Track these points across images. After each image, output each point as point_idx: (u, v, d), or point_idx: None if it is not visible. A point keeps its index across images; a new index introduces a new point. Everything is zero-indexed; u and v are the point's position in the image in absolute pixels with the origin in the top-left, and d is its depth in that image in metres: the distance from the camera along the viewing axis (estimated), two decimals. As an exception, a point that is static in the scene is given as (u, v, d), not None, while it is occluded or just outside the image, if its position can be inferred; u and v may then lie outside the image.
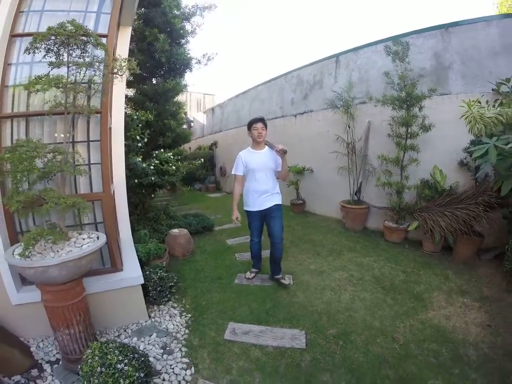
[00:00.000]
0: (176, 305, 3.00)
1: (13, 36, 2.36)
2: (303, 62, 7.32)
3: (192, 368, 2.16)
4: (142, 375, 1.72)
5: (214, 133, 11.95)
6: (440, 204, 3.99)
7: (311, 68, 6.74)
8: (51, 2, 2.50)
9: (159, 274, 2.90)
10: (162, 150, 4.33)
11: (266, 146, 3.21)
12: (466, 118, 3.34)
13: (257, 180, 3.22)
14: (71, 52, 1.99)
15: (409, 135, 4.41)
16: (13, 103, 2.33)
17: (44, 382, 2.07)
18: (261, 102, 8.57)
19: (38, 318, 2.31)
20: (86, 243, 2.00)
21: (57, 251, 1.84)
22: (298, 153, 6.64)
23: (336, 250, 4.33)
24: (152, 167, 3.91)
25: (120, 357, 1.71)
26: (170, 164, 4.15)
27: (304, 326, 2.64)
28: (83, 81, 2.13)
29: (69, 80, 2.00)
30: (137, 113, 3.91)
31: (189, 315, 2.84)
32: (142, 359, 1.82)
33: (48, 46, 1.89)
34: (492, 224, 3.61)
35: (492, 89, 3.83)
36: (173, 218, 5.16)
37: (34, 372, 2.14)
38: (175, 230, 4.33)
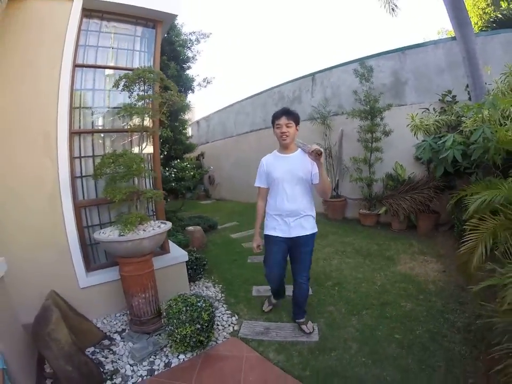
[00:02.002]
0: (207, 281, 3.65)
1: (76, 66, 2.81)
2: (283, 79, 8.15)
3: (236, 316, 2.86)
4: (212, 310, 2.42)
5: (200, 144, 12.60)
6: (402, 191, 4.91)
7: (290, 85, 7.60)
8: (102, 40, 3.02)
9: (194, 256, 3.56)
10: (179, 160, 5.03)
11: (299, 149, 2.30)
12: (411, 126, 4.34)
13: (283, 195, 2.33)
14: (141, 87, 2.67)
15: (374, 140, 5.36)
16: (80, 121, 2.90)
17: (116, 347, 2.47)
18: (245, 115, 9.30)
19: (99, 299, 2.84)
20: (158, 226, 2.68)
21: (143, 230, 2.51)
22: (283, 159, 7.42)
23: (323, 234, 5.09)
24: (173, 175, 4.59)
25: (197, 299, 2.41)
26: (187, 172, 4.85)
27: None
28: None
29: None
30: (161, 131, 4.55)
31: (220, 285, 3.51)
32: (210, 300, 2.52)
33: (128, 83, 2.56)
34: (443, 203, 4.50)
35: (439, 99, 4.84)
36: (182, 220, 5.79)
37: (106, 342, 2.53)
38: (191, 227, 5.00)
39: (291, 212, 2.33)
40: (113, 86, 2.60)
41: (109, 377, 2.15)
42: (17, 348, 2.07)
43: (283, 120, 2.25)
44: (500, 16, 6.75)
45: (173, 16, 3.29)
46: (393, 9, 6.72)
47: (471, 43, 4.08)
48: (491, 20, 7.10)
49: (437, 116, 4.37)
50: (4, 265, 1.97)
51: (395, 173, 5.22)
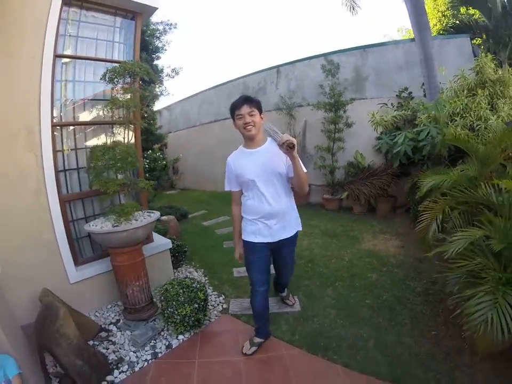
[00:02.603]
0: (189, 266, 3.84)
1: (56, 56, 2.73)
2: (248, 70, 8.35)
3: (222, 296, 3.09)
4: (206, 289, 2.64)
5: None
6: (362, 177, 5.39)
7: (255, 76, 7.82)
8: (82, 30, 2.96)
9: (175, 243, 3.70)
10: (151, 151, 5.06)
11: (269, 139, 2.00)
12: (372, 122, 4.82)
13: (261, 197, 2.03)
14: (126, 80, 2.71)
15: (337, 130, 5.77)
16: (61, 114, 2.87)
17: (115, 337, 2.56)
18: (210, 104, 9.35)
19: (90, 292, 2.89)
20: (148, 215, 2.80)
21: (135, 220, 2.62)
22: (248, 149, 7.68)
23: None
24: (146, 166, 4.64)
25: (191, 281, 2.60)
26: (159, 162, 4.91)
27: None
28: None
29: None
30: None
31: (202, 269, 3.72)
32: (202, 282, 2.73)
33: (113, 76, 2.59)
34: (399, 188, 5.05)
35: (396, 95, 5.34)
36: (152, 210, 5.84)
37: (103, 334, 2.59)
38: (164, 217, 5.07)
39: (272, 214, 2.03)
40: (100, 79, 2.64)
41: (115, 367, 2.26)
42: (23, 351, 2.09)
43: (245, 109, 1.93)
44: (457, 22, 7.49)
45: (153, 9, 3.28)
46: (353, 8, 7.05)
47: (429, 47, 4.63)
48: (449, 25, 7.86)
49: (395, 110, 4.89)
50: None
51: (356, 161, 5.70)
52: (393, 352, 2.16)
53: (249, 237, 2.15)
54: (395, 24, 35.38)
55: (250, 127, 1.95)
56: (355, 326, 2.47)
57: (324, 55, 6.14)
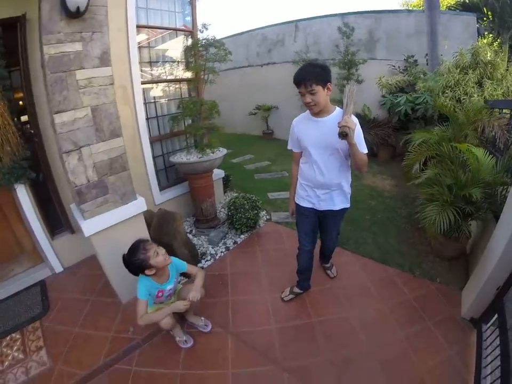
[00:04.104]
0: (232, 192, 5.01)
1: (137, 26, 3.25)
2: (265, 23, 8.73)
3: (265, 211, 4.25)
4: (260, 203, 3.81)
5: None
6: (368, 127, 6.39)
7: (274, 28, 8.33)
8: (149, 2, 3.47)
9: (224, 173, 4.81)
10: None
11: (336, 110, 1.95)
12: (379, 84, 5.76)
13: (314, 167, 2.07)
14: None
15: (348, 85, 6.64)
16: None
17: (193, 241, 3.50)
18: (227, 53, 9.82)
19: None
20: (218, 150, 3.74)
21: (211, 153, 3.62)
22: (266, 95, 8.48)
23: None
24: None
25: (249, 195, 3.77)
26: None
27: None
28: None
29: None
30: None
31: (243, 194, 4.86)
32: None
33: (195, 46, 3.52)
34: (398, 139, 5.97)
35: (403, 59, 6.15)
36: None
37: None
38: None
39: (322, 184, 2.10)
40: (185, 49, 3.65)
41: (201, 258, 3.29)
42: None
43: (303, 89, 1.82)
44: (467, 1, 7.93)
45: None
46: None
47: (435, 24, 5.41)
48: (459, 2, 8.23)
49: (400, 73, 5.76)
50: (144, 204, 2.63)
51: (363, 113, 6.65)
52: (383, 248, 3.37)
53: (299, 200, 2.29)
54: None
55: (312, 106, 1.87)
56: (358, 231, 3.70)
57: (342, 14, 6.78)
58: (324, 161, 2.03)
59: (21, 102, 2.77)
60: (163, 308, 2.11)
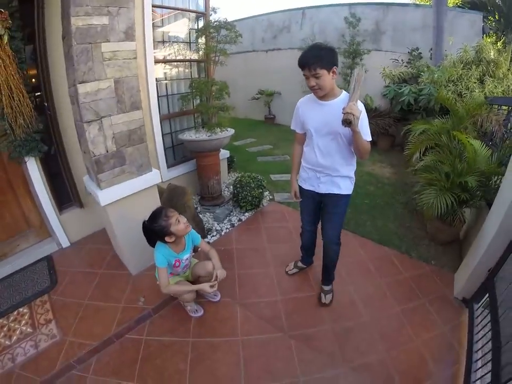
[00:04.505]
0: (236, 173, 5.10)
1: (153, 6, 3.31)
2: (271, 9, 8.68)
3: (267, 191, 4.32)
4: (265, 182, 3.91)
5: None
6: (369, 117, 6.47)
7: (280, 14, 8.31)
8: None
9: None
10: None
11: (342, 94, 1.91)
12: (382, 74, 5.84)
13: (316, 149, 2.06)
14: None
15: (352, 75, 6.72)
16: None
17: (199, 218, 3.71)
18: (232, 37, 9.76)
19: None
20: (226, 130, 3.83)
21: (219, 132, 3.70)
22: (269, 81, 8.50)
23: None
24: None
25: (254, 174, 3.86)
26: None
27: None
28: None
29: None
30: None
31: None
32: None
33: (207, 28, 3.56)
34: (398, 130, 6.09)
35: (408, 52, 6.24)
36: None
37: None
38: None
39: (323, 168, 2.08)
40: (197, 31, 3.72)
41: (208, 232, 3.42)
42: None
43: (307, 72, 1.77)
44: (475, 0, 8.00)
45: None
46: None
47: (442, 20, 5.49)
48: (467, 0, 8.30)
49: (404, 66, 5.85)
50: (158, 176, 2.70)
51: (365, 102, 6.72)
52: (381, 230, 3.53)
53: (301, 182, 2.32)
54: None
55: (316, 90, 1.83)
56: (358, 214, 3.84)
57: (350, 4, 6.81)
58: (325, 145, 2.00)
59: (35, 75, 2.75)
60: (183, 283, 2.22)
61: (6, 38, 2.30)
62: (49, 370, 1.96)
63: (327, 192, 2.15)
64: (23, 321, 2.34)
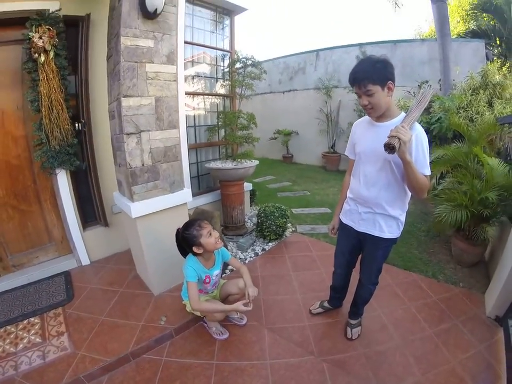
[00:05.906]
0: (257, 207, 5.14)
1: (185, 42, 3.57)
2: (287, 52, 9.27)
3: (290, 223, 4.38)
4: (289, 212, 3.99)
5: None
6: (385, 150, 6.63)
7: (295, 57, 8.80)
8: (195, 22, 3.81)
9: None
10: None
11: (400, 115, 1.65)
12: (398, 106, 5.95)
13: (360, 177, 1.79)
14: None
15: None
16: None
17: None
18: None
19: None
20: (250, 161, 4.00)
21: (246, 162, 3.88)
22: (286, 120, 8.79)
23: (325, 180, 6.87)
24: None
25: (278, 204, 3.95)
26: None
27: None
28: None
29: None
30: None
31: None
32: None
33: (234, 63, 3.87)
34: None
35: (417, 85, 6.45)
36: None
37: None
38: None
39: (365, 200, 1.79)
40: (228, 65, 4.08)
41: None
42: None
43: (358, 90, 1.57)
44: (475, 28, 8.43)
45: (243, 9, 4.19)
46: (397, 4, 7.26)
47: (447, 50, 5.72)
48: (468, 30, 8.72)
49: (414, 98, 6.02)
50: (190, 195, 2.81)
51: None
52: (405, 256, 3.48)
53: (342, 215, 2.05)
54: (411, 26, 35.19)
55: (368, 110, 1.61)
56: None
57: (360, 44, 7.21)
58: (372, 173, 1.72)
59: (74, 93, 2.92)
60: (215, 301, 2.22)
61: (52, 54, 2.55)
62: (55, 383, 1.87)
63: (367, 233, 1.86)
64: (33, 331, 2.26)
